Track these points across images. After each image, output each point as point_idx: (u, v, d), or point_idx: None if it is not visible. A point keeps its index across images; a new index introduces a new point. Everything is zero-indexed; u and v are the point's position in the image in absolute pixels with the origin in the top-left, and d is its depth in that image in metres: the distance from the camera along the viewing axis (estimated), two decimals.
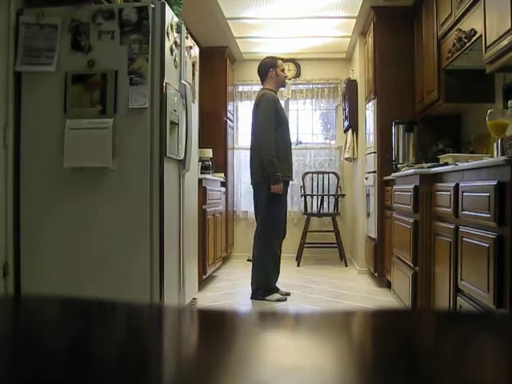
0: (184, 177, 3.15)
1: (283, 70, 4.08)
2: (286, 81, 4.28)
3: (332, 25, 5.18)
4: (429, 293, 2.77)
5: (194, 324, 0.50)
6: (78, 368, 0.35)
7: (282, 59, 4.11)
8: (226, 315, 0.54)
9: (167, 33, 2.80)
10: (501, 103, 3.14)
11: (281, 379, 0.32)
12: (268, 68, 4.02)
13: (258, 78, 6.28)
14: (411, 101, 4.35)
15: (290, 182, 4.11)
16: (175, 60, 2.98)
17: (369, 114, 4.85)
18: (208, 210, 4.42)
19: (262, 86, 4.13)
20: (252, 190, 4.01)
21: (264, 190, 3.79)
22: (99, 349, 0.40)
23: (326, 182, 6.08)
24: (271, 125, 3.78)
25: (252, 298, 3.86)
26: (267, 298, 3.81)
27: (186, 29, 3.24)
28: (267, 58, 4.15)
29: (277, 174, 3.74)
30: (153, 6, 2.73)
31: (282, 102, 6.36)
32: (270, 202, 3.80)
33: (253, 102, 6.30)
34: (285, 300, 3.83)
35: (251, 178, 4.00)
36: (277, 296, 3.83)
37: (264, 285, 3.84)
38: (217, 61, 5.70)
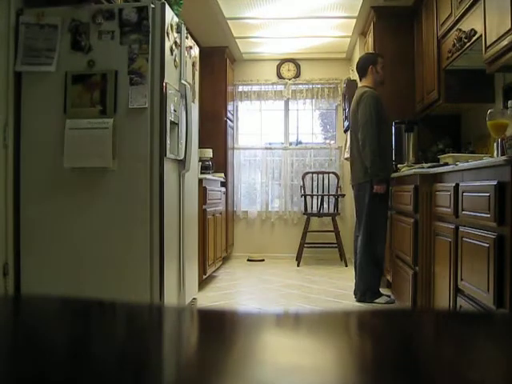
0: (184, 177, 3.15)
1: (383, 68, 3.84)
2: (380, 80, 3.91)
3: (332, 25, 5.18)
4: (429, 293, 2.77)
5: (194, 324, 0.50)
6: (78, 368, 0.35)
7: (382, 56, 3.89)
8: (226, 315, 0.54)
9: (167, 33, 2.80)
10: (501, 103, 3.14)
11: (281, 379, 0.32)
12: (368, 65, 3.79)
13: (258, 78, 6.35)
14: (411, 101, 4.35)
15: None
16: (175, 60, 2.98)
17: None
18: (208, 209, 4.42)
19: (360, 84, 3.91)
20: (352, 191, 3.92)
21: (367, 191, 3.69)
22: (99, 349, 0.40)
23: (325, 182, 6.08)
24: (374, 123, 3.63)
25: (359, 301, 3.77)
26: (376, 300, 3.72)
27: (186, 29, 3.23)
28: (368, 53, 3.96)
29: (380, 174, 3.63)
30: (153, 6, 2.73)
31: (282, 103, 6.41)
32: (373, 203, 3.69)
33: (253, 102, 6.39)
34: (393, 302, 3.70)
35: (352, 180, 3.93)
36: (385, 298, 3.73)
37: (371, 287, 3.74)
38: (217, 61, 5.70)
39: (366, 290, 3.75)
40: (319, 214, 5.84)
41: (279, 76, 6.32)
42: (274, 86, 6.36)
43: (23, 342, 0.41)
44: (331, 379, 0.33)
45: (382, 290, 3.84)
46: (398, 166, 4.03)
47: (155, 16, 2.74)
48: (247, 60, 6.30)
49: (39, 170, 2.77)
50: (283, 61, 6.28)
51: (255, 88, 6.37)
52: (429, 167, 2.93)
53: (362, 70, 3.86)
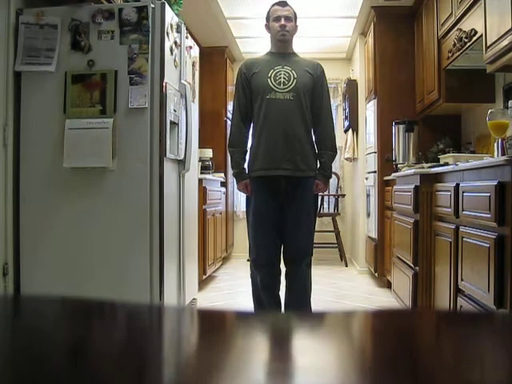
0: (184, 177, 3.15)
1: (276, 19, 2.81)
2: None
3: (332, 25, 5.17)
4: (429, 293, 2.77)
5: (193, 324, 0.50)
6: (78, 368, 0.35)
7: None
8: (226, 315, 0.54)
9: (167, 33, 2.80)
10: (501, 103, 3.14)
11: (281, 379, 0.32)
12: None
13: None
14: (411, 101, 4.35)
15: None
16: (175, 60, 2.98)
17: (369, 114, 4.85)
18: (208, 210, 4.41)
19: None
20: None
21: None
22: (99, 349, 0.40)
23: None
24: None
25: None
26: None
27: (186, 29, 3.23)
28: None
29: (233, 171, 2.94)
30: (153, 5, 2.73)
31: None
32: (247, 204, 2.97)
33: None
34: None
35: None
36: None
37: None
38: (217, 61, 5.70)
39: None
40: (319, 214, 5.82)
41: None
42: None
43: (23, 343, 0.41)
44: (331, 379, 0.33)
45: (381, 290, 3.84)
46: (399, 166, 4.03)
47: (155, 16, 2.74)
48: None
49: (39, 169, 2.77)
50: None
51: None
52: (429, 167, 2.93)
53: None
